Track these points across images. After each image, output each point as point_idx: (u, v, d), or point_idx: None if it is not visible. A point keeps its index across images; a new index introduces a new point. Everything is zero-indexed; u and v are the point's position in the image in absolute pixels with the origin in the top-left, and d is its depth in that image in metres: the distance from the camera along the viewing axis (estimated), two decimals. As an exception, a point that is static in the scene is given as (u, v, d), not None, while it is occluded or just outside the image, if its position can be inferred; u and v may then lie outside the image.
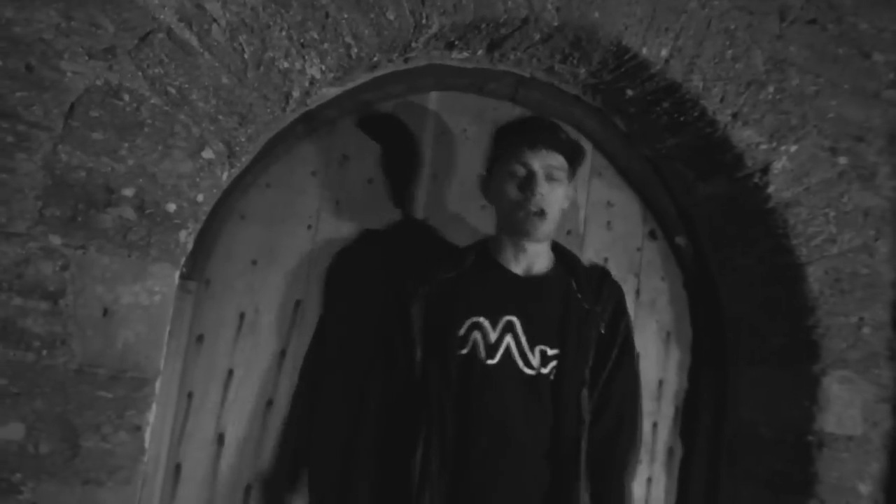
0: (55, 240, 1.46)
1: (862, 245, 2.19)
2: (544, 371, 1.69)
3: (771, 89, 2.13)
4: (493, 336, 1.68)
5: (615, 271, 2.33)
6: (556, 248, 1.86)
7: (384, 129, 2.13)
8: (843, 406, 2.13)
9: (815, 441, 2.10)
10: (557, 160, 1.72)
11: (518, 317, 1.70)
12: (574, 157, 1.79)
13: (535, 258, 1.78)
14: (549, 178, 1.71)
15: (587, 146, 2.36)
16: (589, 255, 2.32)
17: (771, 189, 2.12)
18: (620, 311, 1.85)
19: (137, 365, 1.50)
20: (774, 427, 2.22)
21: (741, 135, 2.09)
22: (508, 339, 1.68)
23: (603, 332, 1.78)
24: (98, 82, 1.50)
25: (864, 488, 2.12)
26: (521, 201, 1.69)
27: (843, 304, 2.15)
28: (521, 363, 1.68)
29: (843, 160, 2.20)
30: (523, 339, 1.69)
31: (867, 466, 2.13)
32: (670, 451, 2.38)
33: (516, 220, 1.71)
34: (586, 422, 1.70)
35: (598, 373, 1.76)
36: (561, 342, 1.71)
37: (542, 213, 1.69)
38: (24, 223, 1.44)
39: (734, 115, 2.08)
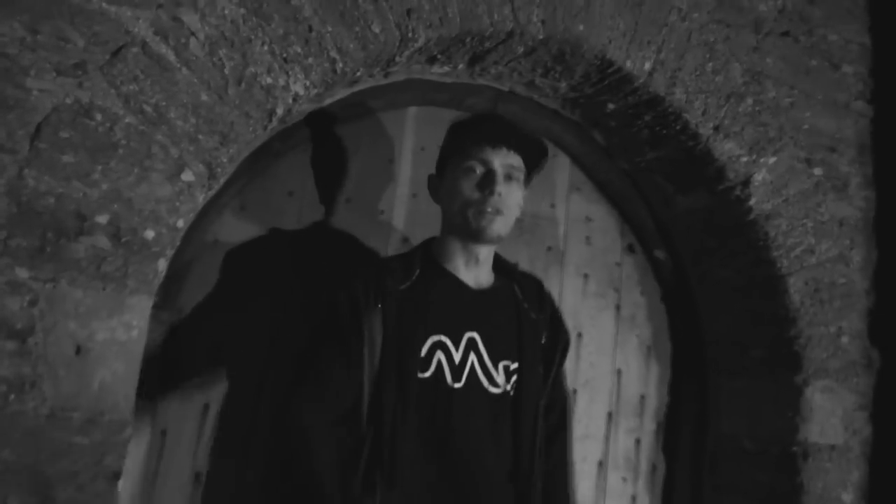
0: (22, 273, 1.33)
1: (838, 255, 2.22)
2: (507, 388, 1.58)
3: (750, 101, 2.14)
4: (457, 356, 1.54)
5: (595, 286, 2.33)
6: (496, 259, 1.73)
7: (363, 152, 2.04)
8: (826, 415, 2.15)
9: (800, 452, 2.10)
10: (517, 160, 1.61)
11: (478, 332, 1.57)
12: (534, 159, 1.68)
13: (483, 266, 1.65)
14: (508, 177, 1.59)
15: (565, 160, 2.33)
16: (570, 272, 2.29)
17: (752, 201, 2.12)
18: (558, 318, 1.78)
19: (115, 406, 1.38)
20: (757, 439, 2.22)
21: (723, 147, 2.09)
22: (472, 357, 1.55)
23: (543, 341, 1.70)
24: (67, 100, 1.39)
25: (847, 497, 2.14)
26: (478, 200, 1.56)
27: (822, 313, 2.17)
28: (486, 383, 1.55)
29: (818, 171, 2.23)
30: (486, 356, 1.57)
31: (849, 475, 2.15)
32: (653, 468, 2.36)
33: (470, 219, 1.57)
34: (540, 434, 1.62)
35: (545, 381, 1.68)
36: (519, 355, 1.61)
37: (498, 213, 1.57)
38: (-13, 255, 1.31)
39: (716, 128, 2.08)
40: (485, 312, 1.61)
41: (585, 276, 2.33)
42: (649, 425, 2.37)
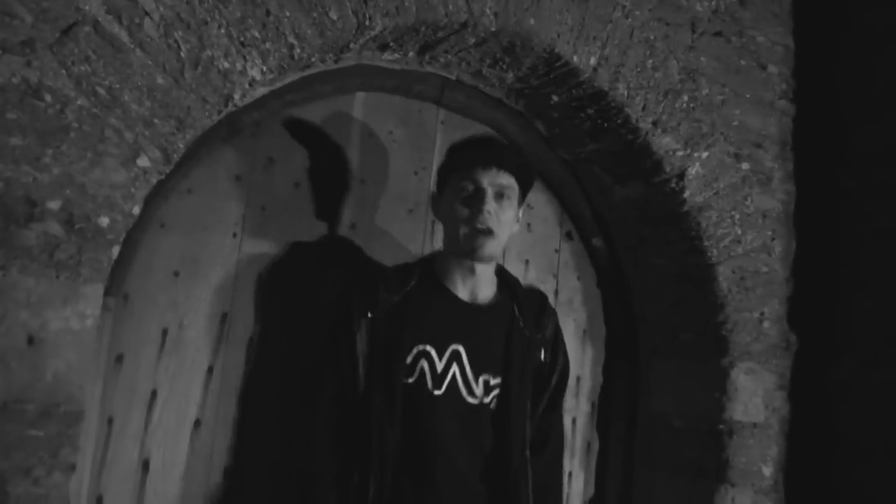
0: (-31, 260, 1.28)
1: (762, 245, 2.35)
2: (486, 400, 1.68)
3: (685, 98, 2.23)
4: (439, 366, 1.64)
5: (535, 273, 2.40)
6: (500, 273, 1.83)
7: (311, 137, 2.03)
8: (749, 395, 2.29)
9: (725, 429, 2.23)
10: (508, 180, 1.68)
11: (464, 346, 1.67)
12: (527, 179, 1.76)
13: (481, 282, 1.74)
14: (499, 196, 1.67)
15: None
16: (511, 258, 2.34)
17: (686, 193, 2.22)
18: (560, 337, 1.88)
19: (70, 397, 1.35)
20: (686, 417, 2.34)
21: (660, 142, 2.17)
22: (454, 368, 1.65)
23: (543, 359, 1.80)
24: (14, 80, 1.33)
25: (767, 470, 2.29)
26: (469, 218, 1.65)
27: (747, 300, 2.30)
28: (464, 392, 1.65)
29: (745, 166, 2.35)
30: (468, 369, 1.66)
31: (769, 450, 2.30)
32: (588, 446, 2.46)
33: (462, 238, 1.66)
34: (527, 446, 1.71)
35: (538, 398, 1.78)
36: (504, 371, 1.70)
37: (488, 232, 1.64)
38: (-69, 242, 1.25)
39: (654, 123, 2.16)
40: (474, 326, 1.69)
41: (526, 262, 2.39)
42: (584, 406, 2.47)
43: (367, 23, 1.70)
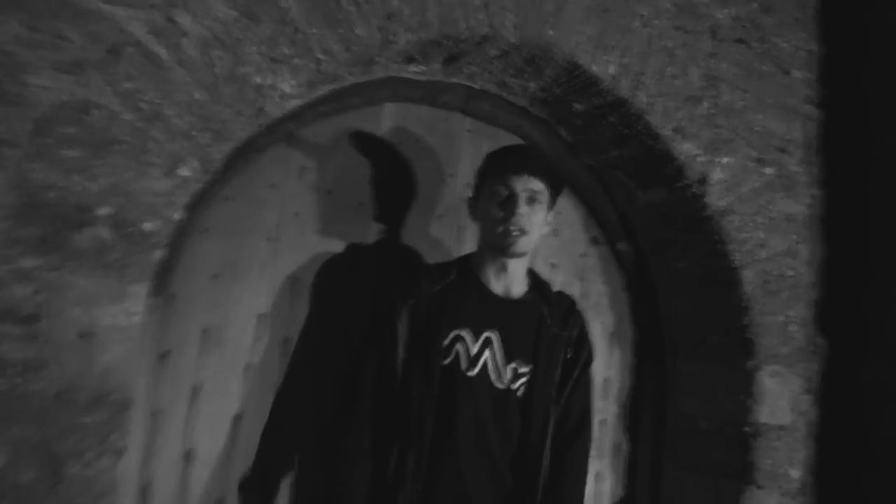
0: (28, 262, 1.40)
1: (787, 249, 2.37)
2: (513, 387, 1.79)
3: (706, 104, 2.28)
4: (473, 349, 1.78)
5: (562, 276, 2.46)
6: (532, 275, 1.96)
7: (342, 146, 2.14)
8: (775, 398, 2.31)
9: (751, 431, 2.26)
10: (539, 185, 1.81)
11: (497, 334, 1.80)
12: (556, 185, 1.89)
13: (513, 279, 1.87)
14: (531, 200, 1.80)
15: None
16: (539, 263, 2.40)
17: (708, 198, 2.26)
18: (584, 336, 1.97)
19: (118, 388, 1.47)
20: (712, 419, 2.37)
21: (681, 147, 2.22)
22: (487, 353, 1.78)
23: (569, 356, 1.91)
24: (66, 98, 1.46)
25: (794, 473, 2.30)
26: (502, 220, 1.79)
27: (772, 304, 2.33)
28: (493, 377, 1.78)
29: (769, 170, 2.38)
30: (499, 355, 1.79)
31: (796, 453, 2.31)
32: (617, 447, 2.50)
33: (496, 236, 1.80)
34: (549, 436, 1.82)
35: (561, 390, 1.88)
36: (533, 361, 1.82)
37: (521, 232, 1.79)
38: (-6, 245, 1.38)
39: (675, 129, 2.21)
40: (506, 318, 1.82)
41: (553, 265, 2.46)
42: (613, 407, 2.52)
43: (391, 38, 1.80)
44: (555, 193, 1.89)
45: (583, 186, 2.51)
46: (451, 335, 1.77)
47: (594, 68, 2.09)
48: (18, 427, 1.36)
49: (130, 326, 1.50)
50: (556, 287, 2.37)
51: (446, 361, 1.76)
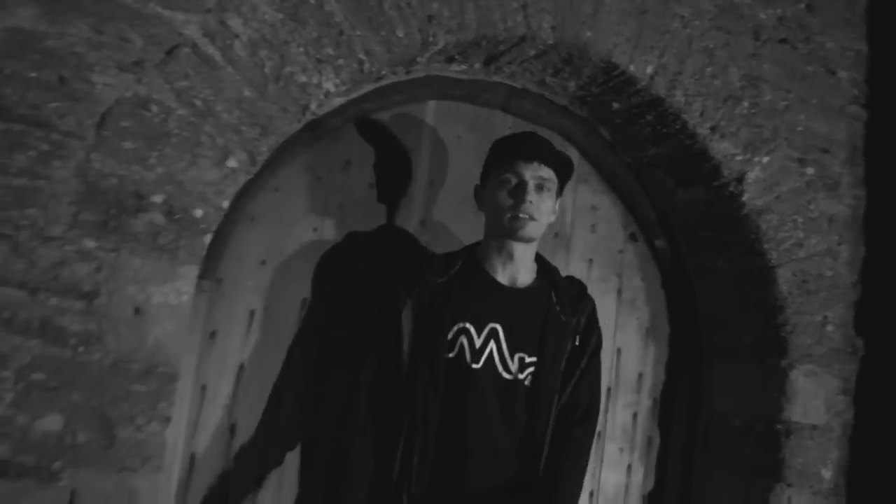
0: (89, 243, 1.54)
1: (826, 249, 2.37)
2: (521, 377, 1.80)
3: (746, 104, 2.29)
4: (478, 342, 1.78)
5: (598, 272, 2.51)
6: (539, 260, 1.96)
7: (385, 141, 2.24)
8: (809, 397, 2.32)
9: (783, 430, 2.27)
10: (548, 173, 1.82)
11: (501, 325, 1.80)
12: (564, 172, 1.90)
13: (520, 267, 1.87)
14: (539, 188, 1.80)
15: (574, 153, 2.51)
16: (575, 258, 2.47)
17: (745, 197, 2.28)
18: (593, 323, 1.96)
19: (168, 361, 1.60)
20: (745, 417, 2.39)
21: (719, 146, 2.25)
22: (492, 345, 1.78)
23: (577, 343, 1.91)
24: (127, 94, 1.59)
25: (827, 473, 2.31)
26: (511, 207, 1.79)
27: (808, 303, 2.33)
28: (500, 368, 1.78)
29: (810, 170, 2.38)
30: (504, 346, 1.79)
31: (829, 453, 2.32)
32: (649, 441, 2.54)
33: (504, 222, 1.80)
34: (551, 425, 1.82)
35: (569, 377, 1.88)
36: (539, 351, 1.82)
37: (531, 218, 1.78)
38: (60, 227, 1.52)
39: (712, 129, 2.24)
40: (512, 308, 1.83)
41: (590, 261, 2.51)
42: (646, 401, 2.56)
43: (431, 39, 1.89)
44: (563, 181, 1.89)
45: (622, 184, 2.55)
46: (455, 328, 1.77)
47: (631, 68, 2.14)
48: (77, 393, 1.51)
49: (180, 305, 1.63)
50: (591, 283, 2.44)
51: (451, 355, 1.76)
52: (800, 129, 2.38)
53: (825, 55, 2.47)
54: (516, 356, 1.79)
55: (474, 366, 1.76)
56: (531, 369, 1.81)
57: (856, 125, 2.49)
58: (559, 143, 2.48)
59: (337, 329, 2.11)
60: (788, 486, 2.24)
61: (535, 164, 1.80)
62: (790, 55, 2.40)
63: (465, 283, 1.83)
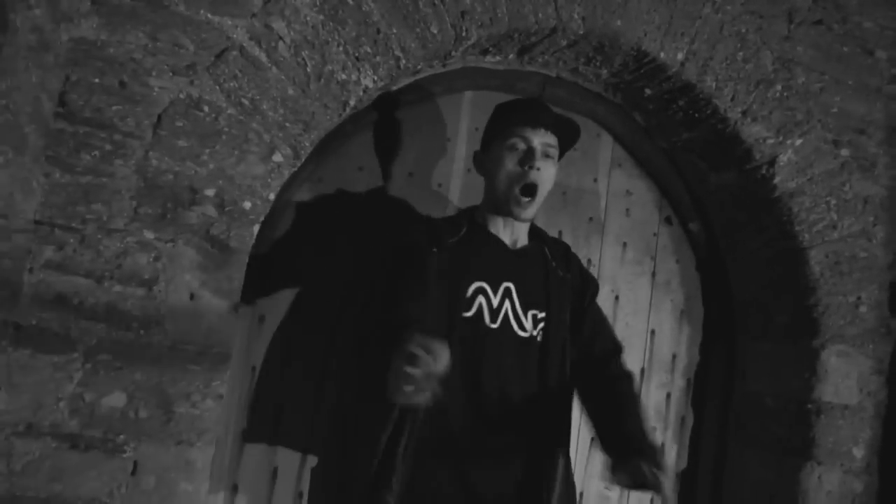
0: (148, 234, 1.68)
1: (861, 230, 2.39)
2: (534, 333, 1.82)
3: (778, 87, 2.31)
4: (494, 301, 1.79)
5: (632, 254, 2.57)
6: (530, 225, 1.97)
7: (424, 132, 2.33)
8: (841, 377, 2.35)
9: (813, 409, 2.31)
10: (553, 140, 1.83)
11: (513, 283, 1.82)
12: (568, 138, 1.90)
13: (519, 231, 1.90)
14: (545, 155, 1.81)
15: (608, 139, 2.56)
16: (609, 241, 2.53)
17: (777, 180, 2.31)
18: (585, 276, 2.01)
19: (221, 342, 1.73)
20: (777, 396, 2.43)
21: (750, 130, 2.28)
22: (507, 304, 1.80)
23: (574, 297, 1.94)
24: (181, 96, 1.72)
25: (858, 452, 2.34)
26: (519, 174, 1.79)
27: (841, 284, 2.36)
28: (516, 326, 1.79)
29: (844, 152, 2.39)
30: (518, 305, 1.81)
31: (861, 433, 2.35)
32: (682, 420, 2.60)
33: (510, 199, 1.81)
34: (567, 375, 1.85)
35: (577, 328, 1.91)
36: (546, 306, 1.85)
37: (533, 190, 1.79)
38: (122, 220, 1.66)
39: (744, 113, 2.27)
40: (519, 267, 1.86)
41: (624, 244, 2.57)
42: (679, 381, 2.62)
43: (464, 34, 1.97)
44: (564, 147, 1.90)
45: (656, 168, 2.60)
46: (473, 287, 1.78)
47: (662, 55, 2.18)
48: (139, 372, 1.65)
49: (232, 290, 1.76)
50: (625, 265, 2.51)
51: (468, 314, 1.76)
52: (834, 110, 2.39)
53: (862, 35, 2.46)
54: (529, 313, 1.81)
55: (492, 325, 1.77)
56: (542, 325, 1.84)
57: (893, 105, 2.48)
58: (593, 129, 2.54)
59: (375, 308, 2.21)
60: (819, 464, 2.29)
61: (542, 130, 1.81)
62: (825, 36, 2.41)
63: (473, 244, 1.84)
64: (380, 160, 2.30)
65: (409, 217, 2.28)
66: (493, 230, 1.89)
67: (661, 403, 2.58)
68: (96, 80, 1.65)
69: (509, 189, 1.82)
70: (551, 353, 1.83)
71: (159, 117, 1.70)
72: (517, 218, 1.85)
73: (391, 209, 2.30)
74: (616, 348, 1.96)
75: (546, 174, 1.82)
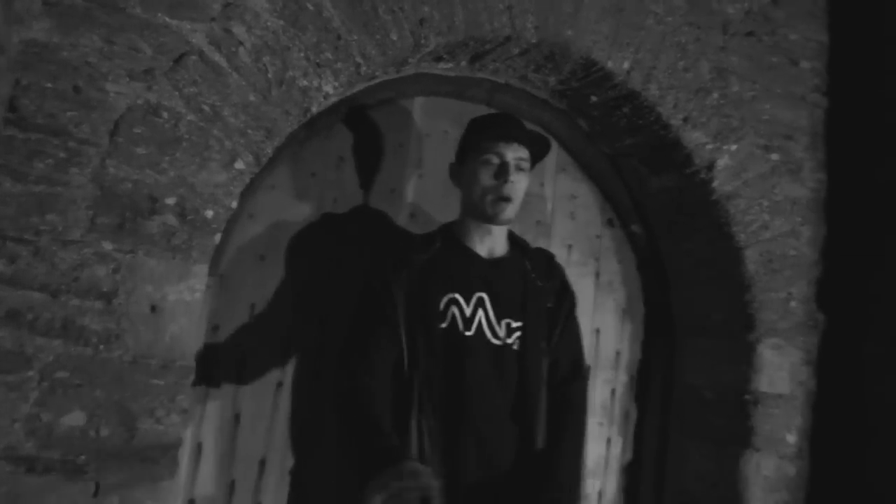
0: (107, 245, 1.62)
1: (790, 230, 2.53)
2: (509, 341, 1.88)
3: (715, 95, 2.43)
4: (468, 310, 1.86)
5: (577, 256, 2.64)
6: (510, 235, 2.04)
7: (376, 138, 2.33)
8: (774, 369, 2.49)
9: (751, 399, 2.44)
10: (525, 153, 1.91)
11: (487, 294, 1.89)
12: (538, 151, 1.99)
13: (496, 241, 1.96)
14: (518, 168, 1.89)
15: (554, 145, 2.62)
16: (556, 243, 2.59)
17: (715, 183, 2.42)
18: (564, 286, 2.08)
19: (184, 355, 1.69)
20: (716, 389, 2.56)
21: (690, 136, 2.38)
22: (480, 313, 1.87)
23: (550, 305, 2.01)
24: (139, 101, 1.66)
25: (791, 438, 2.48)
26: (494, 187, 1.87)
27: (774, 281, 2.49)
28: (489, 335, 1.87)
29: (774, 156, 2.53)
30: (492, 314, 1.88)
31: (794, 420, 2.49)
32: (626, 415, 2.70)
33: (487, 204, 1.88)
34: (544, 382, 1.92)
35: (551, 337, 1.98)
36: (523, 315, 1.92)
37: (508, 199, 1.87)
38: (79, 231, 1.60)
39: (685, 119, 2.37)
40: (493, 278, 1.92)
41: (569, 246, 2.64)
42: (623, 377, 2.71)
43: (423, 41, 1.98)
44: (535, 159, 1.97)
45: (599, 172, 2.68)
46: (446, 299, 1.86)
47: (609, 64, 2.25)
48: (99, 389, 1.59)
49: (194, 301, 1.71)
50: (570, 266, 2.57)
51: (444, 325, 1.84)
52: (765, 117, 2.53)
53: (789, 46, 2.61)
54: (503, 322, 1.89)
55: (467, 333, 1.85)
56: (518, 334, 1.91)
57: (817, 112, 2.64)
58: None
59: (333, 319, 2.21)
60: (757, 451, 2.42)
61: (515, 144, 1.89)
62: (756, 47, 2.54)
63: (447, 258, 1.92)
64: (381, 197, 2.33)
65: (400, 239, 2.27)
66: (468, 243, 1.96)
67: (606, 399, 2.66)
68: (49, 85, 1.58)
69: (484, 200, 1.88)
70: (529, 361, 1.89)
71: (116, 124, 1.64)
72: (497, 221, 1.90)
73: (398, 245, 2.25)
74: (574, 372, 2.00)
75: (519, 186, 1.90)
